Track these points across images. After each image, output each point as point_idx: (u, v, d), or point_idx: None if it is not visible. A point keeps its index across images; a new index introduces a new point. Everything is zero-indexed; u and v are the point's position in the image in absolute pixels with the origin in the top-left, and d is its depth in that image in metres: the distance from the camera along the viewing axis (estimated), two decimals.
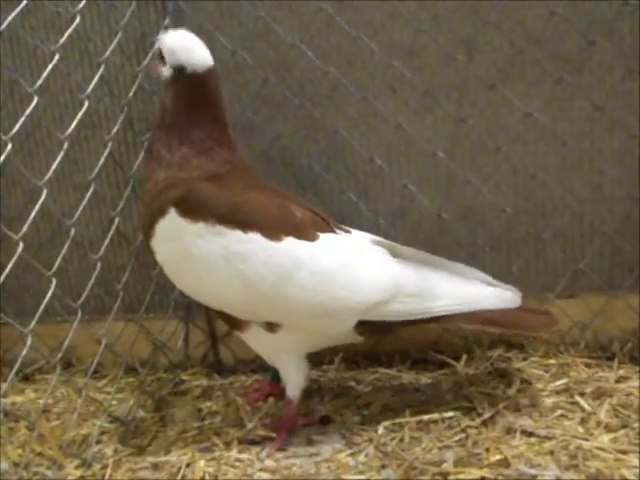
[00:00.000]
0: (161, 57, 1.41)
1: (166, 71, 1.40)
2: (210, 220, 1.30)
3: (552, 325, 1.46)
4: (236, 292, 1.32)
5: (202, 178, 1.35)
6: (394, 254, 1.43)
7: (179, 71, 1.38)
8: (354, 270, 1.35)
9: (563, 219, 1.62)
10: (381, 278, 1.36)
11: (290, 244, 1.32)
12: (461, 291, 1.39)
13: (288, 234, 1.32)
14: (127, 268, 1.61)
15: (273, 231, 1.31)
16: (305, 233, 1.34)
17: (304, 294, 1.32)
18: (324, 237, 1.36)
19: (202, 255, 1.31)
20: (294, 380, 1.41)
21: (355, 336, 1.39)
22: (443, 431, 1.39)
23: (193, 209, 1.31)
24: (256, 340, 1.41)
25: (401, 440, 1.38)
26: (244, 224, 1.31)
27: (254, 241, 1.31)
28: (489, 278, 1.45)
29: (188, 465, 1.36)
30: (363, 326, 1.36)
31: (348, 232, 1.45)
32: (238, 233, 1.31)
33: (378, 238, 1.47)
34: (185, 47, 1.39)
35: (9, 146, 1.19)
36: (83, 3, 1.44)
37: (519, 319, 1.42)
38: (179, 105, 1.38)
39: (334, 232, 1.41)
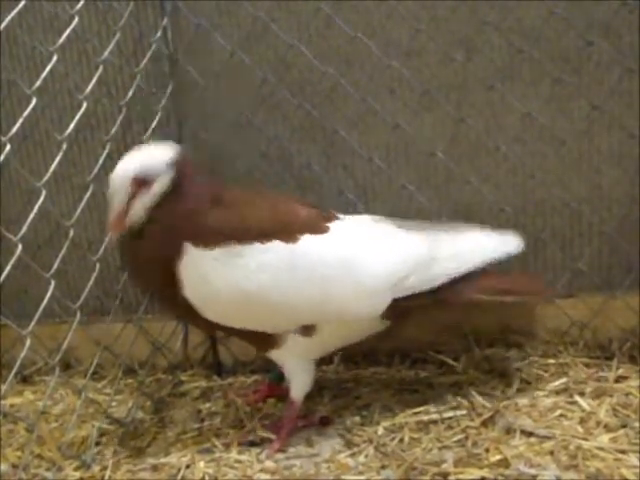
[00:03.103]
0: (143, 183, 1.29)
1: (158, 186, 1.30)
2: (226, 242, 1.30)
3: (552, 289, 1.56)
4: (270, 304, 1.32)
5: (203, 209, 1.32)
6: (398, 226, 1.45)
7: (174, 167, 1.32)
8: (374, 249, 1.38)
9: (562, 219, 1.62)
10: (401, 249, 1.38)
11: (309, 241, 1.33)
12: (472, 245, 1.43)
13: (302, 233, 1.33)
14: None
15: (288, 234, 1.32)
16: (316, 227, 1.36)
17: (336, 286, 1.33)
18: (334, 226, 1.38)
19: (228, 279, 1.30)
20: (301, 384, 1.41)
21: (383, 322, 1.40)
22: (443, 431, 1.39)
23: (208, 237, 1.30)
24: (293, 350, 1.38)
25: (401, 440, 1.38)
26: (260, 235, 1.31)
27: (276, 249, 1.31)
28: (487, 228, 1.49)
29: (188, 466, 1.36)
30: (391, 308, 1.37)
31: (348, 218, 1.45)
32: (258, 246, 1.31)
33: (379, 217, 1.48)
34: (157, 148, 1.36)
35: (7, 147, 1.18)
36: (81, 4, 1.44)
37: (526, 285, 1.49)
38: (178, 199, 1.32)
39: (338, 219, 1.42)
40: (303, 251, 1.32)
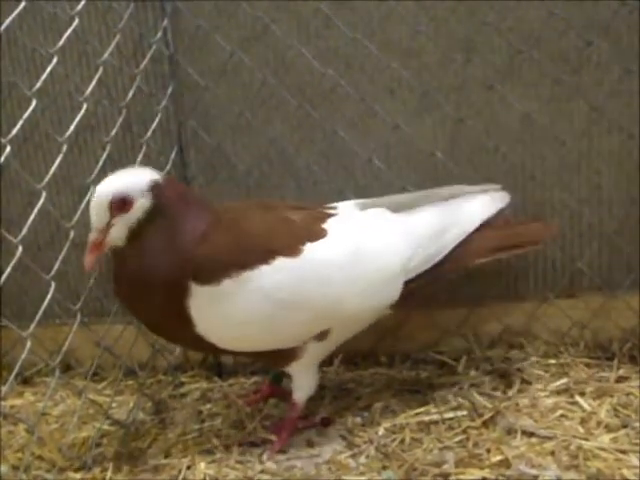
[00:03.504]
0: (123, 204, 1.26)
1: (136, 211, 1.27)
2: (231, 272, 1.27)
3: (550, 229, 1.51)
4: (288, 322, 1.31)
5: (198, 243, 1.29)
6: (388, 208, 1.44)
7: (155, 189, 1.28)
8: (375, 239, 1.38)
9: (562, 219, 1.62)
10: (399, 233, 1.38)
11: (311, 251, 1.32)
12: (463, 212, 1.42)
13: (303, 242, 1.32)
14: None
15: (289, 247, 1.31)
16: (314, 233, 1.34)
17: (349, 286, 1.33)
18: (329, 226, 1.37)
19: (244, 308, 1.28)
20: (306, 387, 1.41)
21: (394, 306, 1.40)
22: (444, 432, 1.39)
23: (211, 272, 1.27)
24: (312, 355, 1.38)
25: (402, 441, 1.38)
26: (262, 257, 1.29)
27: (281, 266, 1.29)
28: (471, 187, 1.48)
29: (188, 467, 1.36)
30: (402, 291, 1.37)
31: (335, 208, 1.44)
32: (263, 267, 1.28)
33: (363, 200, 1.47)
34: (137, 171, 1.34)
35: (8, 149, 1.18)
36: (81, 5, 1.44)
37: (524, 233, 1.47)
38: (164, 224, 1.28)
39: (330, 216, 1.40)
40: (309, 262, 1.31)
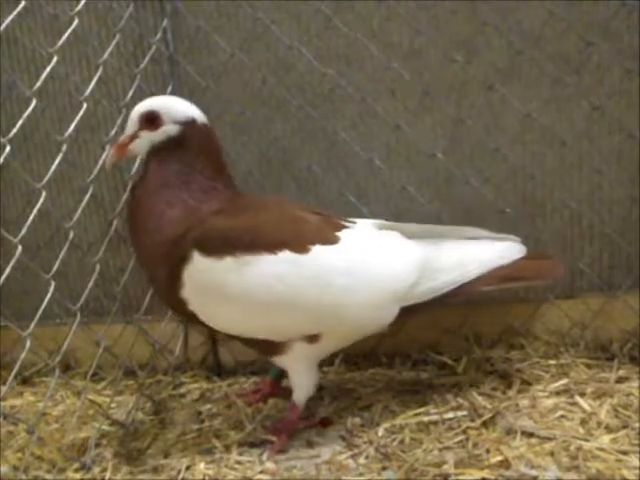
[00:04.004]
0: (151, 120, 1.35)
1: (161, 134, 1.35)
2: (236, 252, 1.28)
3: (559, 267, 1.50)
4: (281, 314, 1.31)
5: (213, 214, 1.33)
6: (403, 233, 1.44)
7: (187, 125, 1.35)
8: (383, 259, 1.37)
9: (562, 219, 1.62)
10: (408, 259, 1.38)
11: (319, 252, 1.32)
12: (477, 254, 1.42)
13: (313, 243, 1.32)
14: (126, 270, 1.61)
15: (299, 244, 1.31)
16: (326, 237, 1.35)
17: (347, 297, 1.33)
18: (343, 236, 1.37)
19: (239, 289, 1.29)
20: (305, 387, 1.41)
21: (390, 325, 1.40)
22: (443, 432, 1.39)
23: (216, 246, 1.29)
24: (298, 356, 1.38)
25: (401, 442, 1.38)
26: (271, 245, 1.30)
27: (286, 259, 1.30)
28: (491, 233, 1.49)
29: (188, 468, 1.36)
30: (399, 312, 1.37)
31: (354, 223, 1.45)
32: (268, 256, 1.29)
33: (381, 221, 1.48)
34: (185, 102, 1.39)
35: (7, 148, 1.18)
36: (81, 5, 1.44)
37: (532, 268, 1.47)
38: (188, 160, 1.35)
39: (346, 227, 1.41)
40: (313, 262, 1.31)
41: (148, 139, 1.36)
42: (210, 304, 1.33)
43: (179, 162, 1.35)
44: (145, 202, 1.35)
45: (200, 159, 1.36)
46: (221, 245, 1.29)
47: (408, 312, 1.38)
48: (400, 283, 1.36)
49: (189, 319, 1.42)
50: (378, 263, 1.37)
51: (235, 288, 1.29)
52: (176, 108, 1.37)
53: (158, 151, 1.36)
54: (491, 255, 1.43)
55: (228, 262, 1.29)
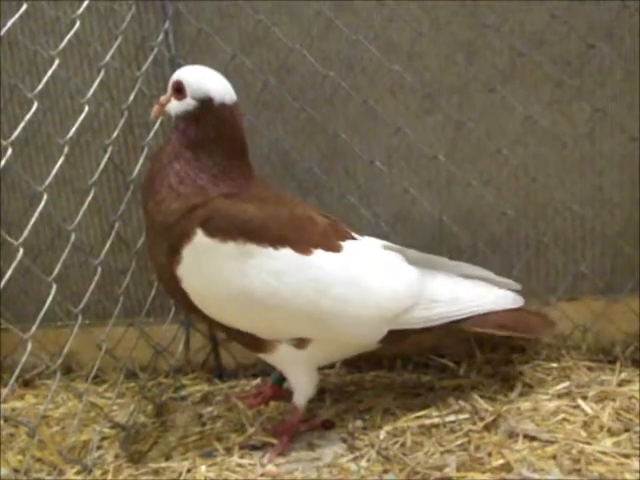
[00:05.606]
0: (178, 90, 1.36)
1: (182, 105, 1.35)
2: (240, 239, 1.28)
3: (551, 327, 1.52)
4: (270, 310, 1.31)
5: (224, 196, 1.32)
6: (406, 258, 1.44)
7: (203, 103, 1.34)
8: (382, 278, 1.38)
9: (564, 222, 1.61)
10: (405, 283, 1.39)
11: (320, 257, 1.32)
12: (474, 294, 1.44)
13: (316, 247, 1.32)
14: (127, 273, 1.61)
15: (302, 245, 1.31)
16: (330, 244, 1.35)
17: (339, 306, 1.32)
18: (347, 246, 1.37)
19: (234, 276, 1.29)
20: (304, 390, 1.41)
21: (376, 344, 1.40)
22: (445, 435, 1.39)
23: (221, 228, 1.28)
24: (283, 358, 1.38)
25: (403, 445, 1.38)
26: (275, 240, 1.30)
27: (287, 257, 1.30)
28: (492, 275, 1.50)
29: (189, 470, 1.35)
30: (387, 334, 1.37)
31: (361, 237, 1.45)
32: (270, 250, 1.29)
33: (386, 243, 1.48)
34: (212, 79, 1.37)
35: (9, 151, 1.19)
36: (83, 7, 1.44)
37: (525, 322, 1.48)
38: (200, 138, 1.34)
39: (352, 238, 1.41)
40: (313, 266, 1.31)
41: (175, 107, 1.37)
42: (203, 285, 1.31)
43: (194, 138, 1.34)
44: (157, 172, 1.35)
45: (213, 140, 1.34)
46: (226, 228, 1.28)
47: (396, 336, 1.38)
48: (395, 304, 1.36)
49: (177, 299, 1.41)
50: (376, 280, 1.37)
51: (231, 274, 1.29)
52: (198, 83, 1.35)
53: (181, 122, 1.36)
54: (487, 299, 1.44)
55: (230, 247, 1.28)
